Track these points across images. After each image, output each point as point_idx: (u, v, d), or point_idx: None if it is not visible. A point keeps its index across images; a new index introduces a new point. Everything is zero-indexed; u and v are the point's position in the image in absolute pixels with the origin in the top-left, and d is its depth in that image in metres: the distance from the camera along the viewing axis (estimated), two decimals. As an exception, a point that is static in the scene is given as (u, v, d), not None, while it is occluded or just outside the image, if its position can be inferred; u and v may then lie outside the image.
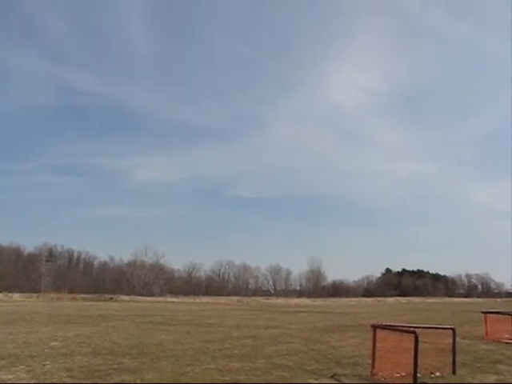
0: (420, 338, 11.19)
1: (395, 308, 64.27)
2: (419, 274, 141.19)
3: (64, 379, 11.63)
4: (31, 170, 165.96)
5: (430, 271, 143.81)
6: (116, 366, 13.64)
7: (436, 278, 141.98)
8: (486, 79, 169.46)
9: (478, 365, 14.92)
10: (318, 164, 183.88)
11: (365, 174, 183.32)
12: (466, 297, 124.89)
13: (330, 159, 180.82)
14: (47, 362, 13.96)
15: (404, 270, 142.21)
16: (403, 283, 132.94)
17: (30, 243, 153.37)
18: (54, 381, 11.39)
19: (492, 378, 12.82)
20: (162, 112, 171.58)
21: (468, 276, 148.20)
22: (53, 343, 18.35)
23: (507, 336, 21.65)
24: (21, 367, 13.12)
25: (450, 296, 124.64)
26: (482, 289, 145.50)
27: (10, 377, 11.79)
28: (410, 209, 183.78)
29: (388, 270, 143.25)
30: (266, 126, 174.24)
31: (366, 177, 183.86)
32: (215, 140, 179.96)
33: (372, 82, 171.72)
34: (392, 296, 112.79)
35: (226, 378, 12.12)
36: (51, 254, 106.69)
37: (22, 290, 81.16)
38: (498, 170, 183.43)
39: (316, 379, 12.26)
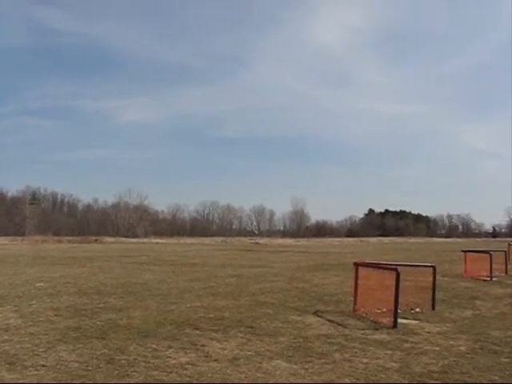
0: (401, 276, 11.38)
1: (378, 248, 65.24)
2: (402, 214, 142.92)
3: (51, 318, 11.77)
4: (10, 112, 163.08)
5: (413, 212, 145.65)
6: (102, 305, 13.82)
7: (418, 218, 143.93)
8: (472, 12, 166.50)
9: (456, 301, 15.31)
10: (302, 104, 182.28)
11: (349, 114, 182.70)
12: (447, 237, 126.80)
13: (313, 99, 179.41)
14: (34, 302, 14.10)
15: (387, 211, 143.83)
16: (386, 224, 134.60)
17: (12, 186, 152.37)
18: (41, 319, 11.53)
19: (469, 313, 13.19)
20: (144, 52, 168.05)
21: (449, 217, 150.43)
22: (39, 284, 18.49)
23: (485, 274, 22.12)
24: (8, 307, 13.25)
25: (431, 236, 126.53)
26: (462, 229, 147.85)
27: (-2, 316, 11.92)
28: (394, 150, 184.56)
29: (371, 211, 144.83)
30: (250, 66, 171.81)
31: (350, 117, 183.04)
32: (198, 81, 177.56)
33: (355, 19, 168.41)
34: (375, 236, 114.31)
35: (211, 315, 12.34)
36: (35, 197, 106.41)
37: (6, 233, 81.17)
38: (484, 110, 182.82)
39: (299, 315, 12.52)
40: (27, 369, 7.57)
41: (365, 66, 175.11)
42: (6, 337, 9.71)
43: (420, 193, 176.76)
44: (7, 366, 7.73)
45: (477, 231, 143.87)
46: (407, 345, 9.45)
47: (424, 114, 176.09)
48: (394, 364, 8.06)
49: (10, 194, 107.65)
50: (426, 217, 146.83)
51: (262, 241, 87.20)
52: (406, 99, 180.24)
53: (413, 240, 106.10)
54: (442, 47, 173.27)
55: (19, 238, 76.69)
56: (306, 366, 7.88)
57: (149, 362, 7.99)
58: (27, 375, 7.23)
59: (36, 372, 7.40)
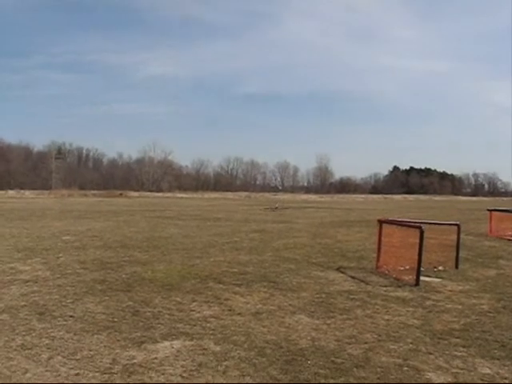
0: (425, 234, 11.33)
1: (402, 205, 64.95)
2: (427, 172, 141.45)
3: (78, 270, 12.00)
4: (36, 66, 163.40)
5: (438, 170, 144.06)
6: (127, 258, 14.04)
7: (443, 176, 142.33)
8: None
9: (480, 260, 15.26)
10: (328, 60, 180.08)
11: (376, 71, 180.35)
12: (473, 196, 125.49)
13: (341, 55, 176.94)
14: (61, 255, 14.37)
15: (412, 168, 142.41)
16: (410, 181, 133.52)
17: (39, 142, 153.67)
18: (69, 272, 11.76)
19: (492, 273, 13.15)
20: (171, 7, 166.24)
21: (475, 175, 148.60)
22: (65, 237, 18.81)
23: (510, 233, 21.95)
24: (36, 259, 13.53)
25: (456, 195, 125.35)
26: (488, 188, 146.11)
27: (27, 268, 12.18)
28: (420, 107, 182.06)
29: (396, 168, 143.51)
30: (277, 21, 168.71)
31: (377, 74, 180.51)
32: (224, 36, 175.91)
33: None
34: (399, 194, 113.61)
35: (235, 270, 12.49)
36: (60, 152, 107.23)
37: (32, 187, 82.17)
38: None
39: (322, 271, 12.61)
40: (56, 319, 7.77)
41: (392, 21, 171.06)
42: (35, 288, 9.95)
43: (446, 151, 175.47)
44: (37, 316, 7.94)
45: (503, 190, 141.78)
46: (429, 302, 9.48)
47: (450, 71, 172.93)
48: (415, 321, 8.11)
49: (36, 149, 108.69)
50: (452, 175, 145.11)
51: (286, 196, 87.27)
52: (433, 56, 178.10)
53: (437, 198, 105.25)
54: (471, 4, 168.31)
55: (46, 191, 77.60)
56: (328, 322, 7.96)
57: (173, 315, 8.14)
58: (56, 325, 7.42)
59: (64, 322, 7.59)
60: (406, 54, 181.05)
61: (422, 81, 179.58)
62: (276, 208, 42.24)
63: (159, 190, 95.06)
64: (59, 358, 6.10)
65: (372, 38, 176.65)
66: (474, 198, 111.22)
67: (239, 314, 8.34)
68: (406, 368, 5.98)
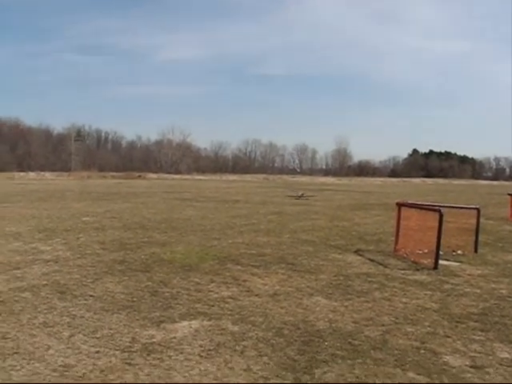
0: (444, 218, 11.27)
1: (421, 189, 64.65)
2: (446, 155, 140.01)
3: (97, 251, 12.13)
4: (54, 49, 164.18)
5: (458, 153, 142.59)
6: (146, 239, 14.15)
7: (463, 160, 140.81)
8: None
9: (500, 244, 15.17)
10: (349, 41, 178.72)
11: (396, 52, 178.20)
12: (493, 180, 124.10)
13: (361, 37, 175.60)
14: (81, 235, 14.52)
15: (431, 152, 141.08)
16: (430, 164, 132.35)
17: (58, 124, 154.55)
18: (89, 252, 11.90)
19: (512, 257, 13.08)
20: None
21: (496, 159, 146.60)
22: (85, 218, 18.99)
23: (531, 218, 21.78)
24: (57, 240, 13.69)
25: (476, 179, 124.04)
26: (509, 172, 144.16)
27: (48, 248, 12.33)
28: (440, 88, 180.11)
29: (415, 151, 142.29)
30: (300, 1, 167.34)
31: (399, 55, 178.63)
32: (246, 16, 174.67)
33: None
34: (418, 177, 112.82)
35: (253, 251, 12.54)
36: (79, 134, 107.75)
37: (52, 169, 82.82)
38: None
39: (340, 254, 12.62)
40: (77, 298, 7.88)
41: (416, 2, 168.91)
42: (56, 267, 10.08)
43: (466, 134, 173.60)
44: (58, 294, 8.06)
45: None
46: (447, 286, 9.46)
47: (473, 52, 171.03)
48: (433, 304, 8.11)
49: (55, 132, 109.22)
50: (472, 159, 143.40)
51: (304, 179, 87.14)
52: (456, 37, 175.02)
53: (457, 182, 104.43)
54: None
55: (65, 173, 78.22)
56: (346, 304, 7.99)
57: (191, 295, 8.22)
58: (77, 304, 7.53)
59: (85, 301, 7.70)
60: (429, 34, 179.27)
61: (445, 62, 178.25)
62: (301, 196, 35.32)
63: (177, 172, 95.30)
64: (80, 335, 6.20)
65: (395, 19, 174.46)
66: (495, 183, 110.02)
67: (257, 295, 8.39)
68: (423, 351, 6.00)
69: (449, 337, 6.52)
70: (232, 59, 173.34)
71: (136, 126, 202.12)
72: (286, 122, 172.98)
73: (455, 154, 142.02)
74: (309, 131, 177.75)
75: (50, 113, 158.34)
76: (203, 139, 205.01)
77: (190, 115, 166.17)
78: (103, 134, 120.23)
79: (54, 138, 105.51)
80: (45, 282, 8.85)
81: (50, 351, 5.69)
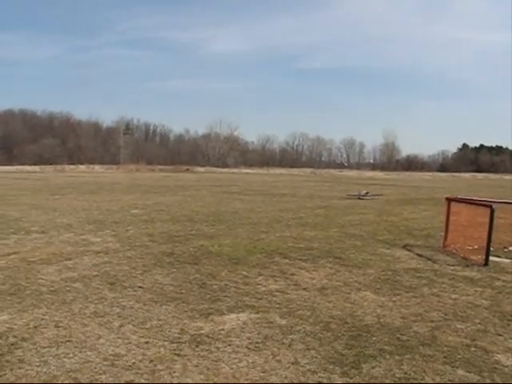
0: (495, 214, 11.03)
1: (471, 184, 63.36)
2: (498, 150, 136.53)
3: (146, 243, 12.31)
4: (104, 43, 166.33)
5: (510, 148, 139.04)
6: (194, 232, 14.28)
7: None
8: None
9: (554, 241, 14.75)
10: (397, 34, 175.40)
11: (446, 45, 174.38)
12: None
13: (409, 29, 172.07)
14: (130, 228, 14.76)
15: (482, 146, 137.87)
16: (480, 159, 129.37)
17: (107, 117, 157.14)
18: (137, 244, 12.08)
19: None
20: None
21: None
22: (134, 211, 19.28)
23: None
24: (106, 231, 13.95)
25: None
26: None
27: (98, 240, 12.58)
28: (490, 82, 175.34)
29: (465, 146, 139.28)
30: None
31: (445, 47, 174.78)
32: (291, 11, 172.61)
33: None
34: (468, 172, 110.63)
35: (300, 245, 12.53)
36: (128, 128, 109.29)
37: (102, 162, 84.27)
38: None
39: (388, 248, 12.50)
40: (126, 289, 8.02)
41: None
42: (106, 259, 10.28)
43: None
44: (108, 285, 8.22)
45: None
46: (498, 283, 9.27)
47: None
48: (484, 301, 7.96)
49: (105, 125, 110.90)
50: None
51: (351, 173, 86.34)
52: (507, 29, 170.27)
53: (509, 177, 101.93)
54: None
55: (114, 166, 79.43)
56: (394, 299, 7.92)
57: (239, 288, 8.27)
58: (126, 295, 7.67)
59: (134, 292, 7.83)
60: (481, 26, 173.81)
61: (496, 55, 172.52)
62: (365, 194, 29.99)
63: (225, 166, 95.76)
64: (130, 326, 6.31)
65: (445, 10, 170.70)
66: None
67: (305, 288, 8.39)
68: (473, 348, 5.90)
69: (500, 335, 6.39)
70: (280, 53, 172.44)
71: (184, 120, 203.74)
72: (333, 116, 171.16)
73: (507, 148, 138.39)
74: (357, 125, 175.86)
75: (100, 106, 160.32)
76: (251, 133, 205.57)
77: (238, 108, 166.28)
78: (151, 128, 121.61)
79: (103, 132, 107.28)
80: (95, 273, 9.04)
81: (101, 340, 5.81)
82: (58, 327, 6.18)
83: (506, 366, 5.41)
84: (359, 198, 28.76)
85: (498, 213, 11.37)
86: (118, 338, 5.91)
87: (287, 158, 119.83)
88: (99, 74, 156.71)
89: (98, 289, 8.00)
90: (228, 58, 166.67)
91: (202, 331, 6.20)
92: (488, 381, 5.06)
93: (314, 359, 5.43)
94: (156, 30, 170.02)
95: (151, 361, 5.28)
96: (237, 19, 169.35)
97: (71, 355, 5.37)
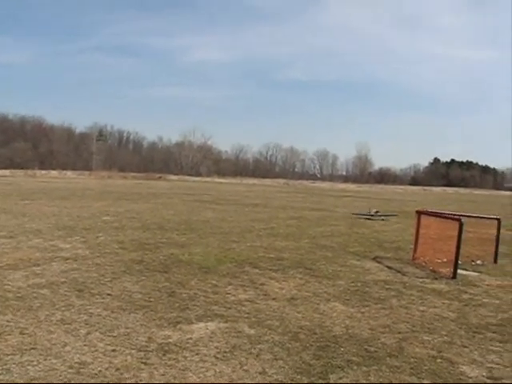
0: (464, 227, 11.19)
1: (441, 197, 64.11)
2: (468, 165, 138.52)
3: (116, 250, 12.21)
4: (83, 49, 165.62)
5: (480, 163, 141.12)
6: (165, 240, 14.21)
7: (485, 170, 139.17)
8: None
9: (521, 255, 14.99)
10: (372, 48, 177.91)
11: (419, 60, 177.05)
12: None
13: (384, 43, 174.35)
14: (100, 234, 14.62)
15: (453, 161, 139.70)
16: (451, 174, 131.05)
17: (81, 123, 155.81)
18: (107, 251, 11.98)
19: (533, 268, 12.92)
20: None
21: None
22: (105, 217, 19.12)
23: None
24: (76, 238, 13.80)
25: (498, 189, 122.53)
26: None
27: (67, 246, 12.44)
28: (464, 97, 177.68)
29: (436, 160, 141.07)
30: (323, 4, 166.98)
31: (420, 62, 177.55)
32: (269, 21, 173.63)
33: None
34: (439, 186, 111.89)
35: (271, 255, 12.54)
36: (101, 134, 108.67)
37: (74, 168, 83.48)
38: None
39: (358, 260, 12.58)
40: (94, 296, 7.94)
41: (440, 9, 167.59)
42: (75, 265, 10.17)
43: (488, 144, 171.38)
44: (76, 292, 8.13)
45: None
46: (466, 296, 9.38)
47: (496, 61, 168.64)
48: (451, 314, 8.05)
49: (78, 130, 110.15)
50: (494, 169, 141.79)
51: (324, 184, 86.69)
52: (480, 45, 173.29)
53: (478, 192, 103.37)
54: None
55: (86, 172, 78.72)
56: (363, 310, 7.96)
57: (209, 297, 8.24)
58: (94, 302, 7.59)
59: (102, 300, 7.75)
60: (453, 42, 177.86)
61: (468, 71, 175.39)
62: (375, 213, 25.53)
63: (198, 175, 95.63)
64: (97, 333, 6.24)
65: (420, 25, 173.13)
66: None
67: (274, 298, 8.39)
68: (439, 360, 5.95)
69: (466, 347, 6.46)
70: (256, 63, 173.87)
71: (159, 128, 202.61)
72: (307, 127, 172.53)
73: (477, 163, 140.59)
74: (330, 137, 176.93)
75: (73, 112, 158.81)
76: (225, 142, 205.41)
77: (213, 117, 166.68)
78: (125, 135, 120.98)
79: (76, 137, 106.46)
80: (63, 280, 8.93)
81: (67, 348, 5.73)
82: (23, 334, 6.09)
83: (471, 378, 5.48)
84: (368, 219, 24.54)
85: (466, 227, 11.53)
86: (85, 345, 5.84)
87: (260, 168, 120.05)
88: (75, 78, 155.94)
89: (66, 296, 7.90)
90: (206, 67, 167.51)
91: (170, 340, 6.16)
92: (453, 393, 5.11)
93: (282, 369, 5.43)
94: (136, 36, 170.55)
95: (117, 369, 5.23)
96: (215, 28, 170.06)
97: (35, 363, 5.28)
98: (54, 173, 73.96)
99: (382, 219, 24.46)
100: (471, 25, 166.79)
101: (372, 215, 25.30)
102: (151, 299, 7.95)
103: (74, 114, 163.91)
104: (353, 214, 26.48)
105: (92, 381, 4.94)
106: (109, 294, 8.11)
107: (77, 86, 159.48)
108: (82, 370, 5.15)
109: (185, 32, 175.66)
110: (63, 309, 7.19)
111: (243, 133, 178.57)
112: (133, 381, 4.98)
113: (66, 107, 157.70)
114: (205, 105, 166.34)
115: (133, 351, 5.73)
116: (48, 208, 21.75)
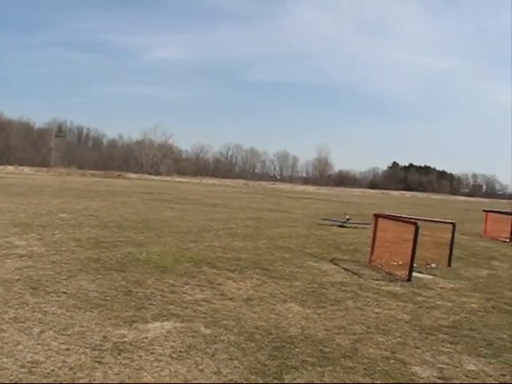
0: (420, 231, 11.41)
1: (399, 201, 65.08)
2: (426, 169, 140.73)
3: (73, 248, 12.06)
4: (44, 44, 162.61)
5: (437, 168, 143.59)
6: (122, 238, 14.09)
7: (442, 175, 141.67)
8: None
9: (473, 259, 15.37)
10: (338, 52, 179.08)
11: (382, 65, 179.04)
12: (470, 196, 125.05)
13: (349, 48, 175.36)
14: (57, 232, 14.41)
15: (411, 165, 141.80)
16: (409, 178, 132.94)
17: (39, 118, 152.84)
18: (64, 249, 11.82)
19: (484, 273, 13.26)
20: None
21: (474, 176, 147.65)
22: (62, 215, 18.84)
23: (504, 235, 22.09)
24: (32, 235, 13.57)
25: (454, 194, 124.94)
26: (486, 189, 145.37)
27: (23, 243, 12.22)
28: (424, 103, 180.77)
29: (395, 164, 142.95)
30: (288, 7, 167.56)
31: (383, 68, 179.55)
32: (233, 22, 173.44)
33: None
34: (397, 190, 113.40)
35: (229, 255, 12.56)
36: (60, 130, 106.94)
37: (31, 163, 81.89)
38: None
39: (315, 262, 12.69)
40: (49, 294, 7.83)
41: (404, 16, 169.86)
42: (30, 263, 10.00)
43: (446, 149, 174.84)
44: (31, 290, 8.00)
45: (501, 193, 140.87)
46: (420, 298, 9.57)
47: (456, 70, 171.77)
48: (405, 315, 8.20)
49: (36, 126, 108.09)
50: (451, 174, 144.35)
51: (284, 186, 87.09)
52: (440, 54, 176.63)
53: (435, 196, 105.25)
54: (479, 5, 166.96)
55: (44, 169, 77.40)
56: (319, 311, 8.04)
57: (165, 297, 8.22)
58: (49, 300, 7.49)
59: (57, 298, 7.65)
60: (415, 50, 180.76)
61: (429, 78, 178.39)
62: (346, 221, 23.22)
63: (158, 173, 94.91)
64: (51, 332, 6.17)
65: (384, 32, 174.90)
66: (472, 199, 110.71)
67: (231, 299, 8.41)
68: (392, 361, 6.06)
69: (418, 348, 6.60)
70: (219, 63, 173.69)
71: (119, 126, 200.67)
72: (268, 129, 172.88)
73: (434, 168, 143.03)
74: (291, 139, 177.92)
75: (32, 107, 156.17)
76: (186, 141, 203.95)
77: (174, 116, 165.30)
78: (84, 131, 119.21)
79: (35, 133, 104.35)
80: (17, 277, 8.78)
81: (19, 347, 5.65)
82: (-25, 332, 5.98)
83: (422, 378, 5.60)
84: (341, 226, 22.72)
85: (422, 230, 11.78)
86: (38, 344, 5.76)
87: (221, 168, 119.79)
88: (35, 73, 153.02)
89: (20, 293, 7.77)
90: (167, 65, 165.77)
91: (125, 339, 6.12)
92: (404, 393, 5.22)
93: (237, 369, 5.46)
94: (98, 33, 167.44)
95: (71, 368, 5.17)
96: (178, 27, 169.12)
97: (-14, 361, 5.20)
98: (10, 168, 72.51)
99: (355, 227, 22.44)
100: (433, 33, 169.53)
101: (344, 222, 23.17)
102: (107, 298, 7.88)
103: (33, 109, 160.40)
104: (322, 219, 24.26)
105: (44, 380, 4.88)
106: (64, 293, 8.01)
107: (36, 80, 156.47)
108: (34, 370, 5.08)
109: (147, 30, 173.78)
110: (16, 307, 7.07)
111: (205, 132, 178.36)
112: (86, 380, 4.94)
113: (25, 102, 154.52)
114: (166, 103, 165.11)
115: (87, 350, 5.68)
116: (3, 204, 21.31)
